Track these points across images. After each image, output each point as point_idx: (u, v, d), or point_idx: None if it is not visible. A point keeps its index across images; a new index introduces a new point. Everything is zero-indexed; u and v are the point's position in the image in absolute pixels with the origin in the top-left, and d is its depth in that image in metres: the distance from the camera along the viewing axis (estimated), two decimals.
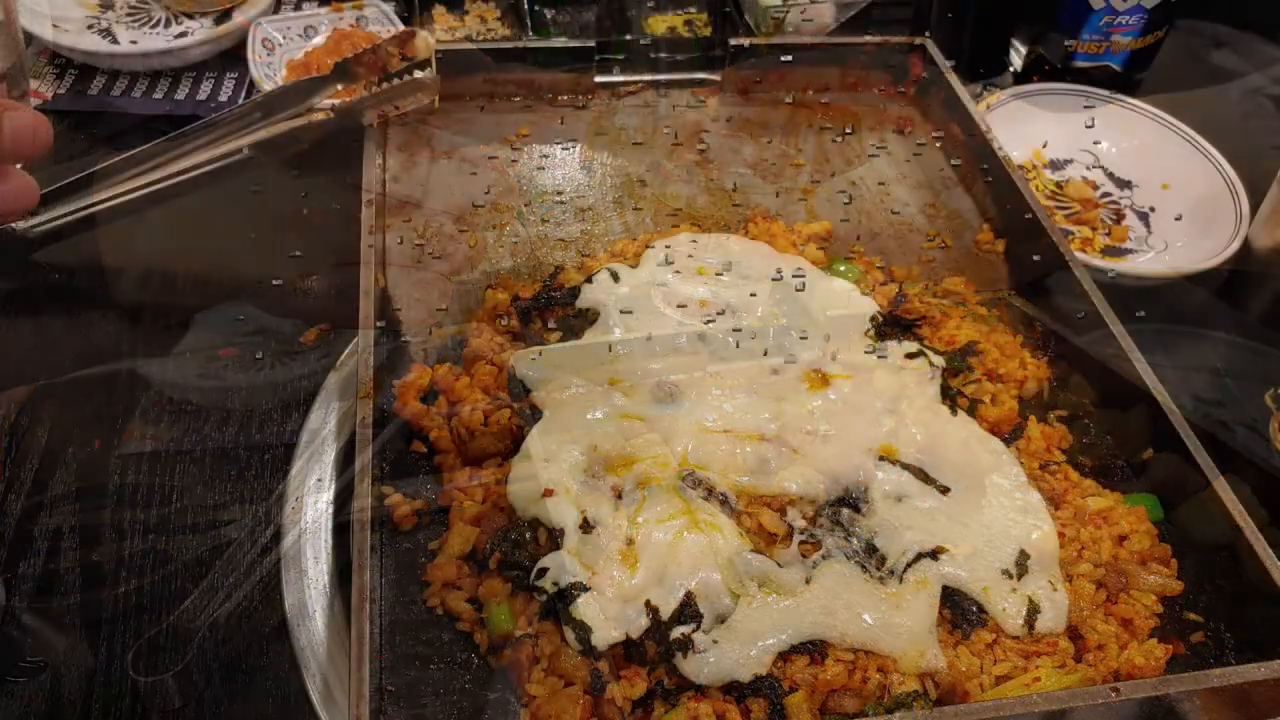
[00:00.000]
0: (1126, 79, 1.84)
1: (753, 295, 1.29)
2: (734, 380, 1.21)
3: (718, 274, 1.32)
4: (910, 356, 1.23)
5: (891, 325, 1.28)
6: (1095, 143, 1.79)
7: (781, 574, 1.02)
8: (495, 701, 0.99)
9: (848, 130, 1.66)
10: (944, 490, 1.11)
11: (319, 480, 1.18)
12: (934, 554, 1.04)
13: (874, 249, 1.48)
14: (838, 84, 1.72)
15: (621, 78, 1.66)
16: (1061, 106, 1.79)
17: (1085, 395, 1.30)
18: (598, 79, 1.66)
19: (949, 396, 1.21)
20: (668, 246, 1.36)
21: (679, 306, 1.28)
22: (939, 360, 1.23)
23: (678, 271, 1.33)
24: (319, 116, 1.41)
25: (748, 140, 1.63)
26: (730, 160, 1.60)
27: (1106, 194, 1.73)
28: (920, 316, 1.31)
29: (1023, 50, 1.89)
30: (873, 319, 1.27)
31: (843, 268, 1.39)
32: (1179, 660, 1.05)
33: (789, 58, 1.66)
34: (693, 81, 1.70)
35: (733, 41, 1.66)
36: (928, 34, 1.70)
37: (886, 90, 1.73)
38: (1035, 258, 1.40)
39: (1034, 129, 1.78)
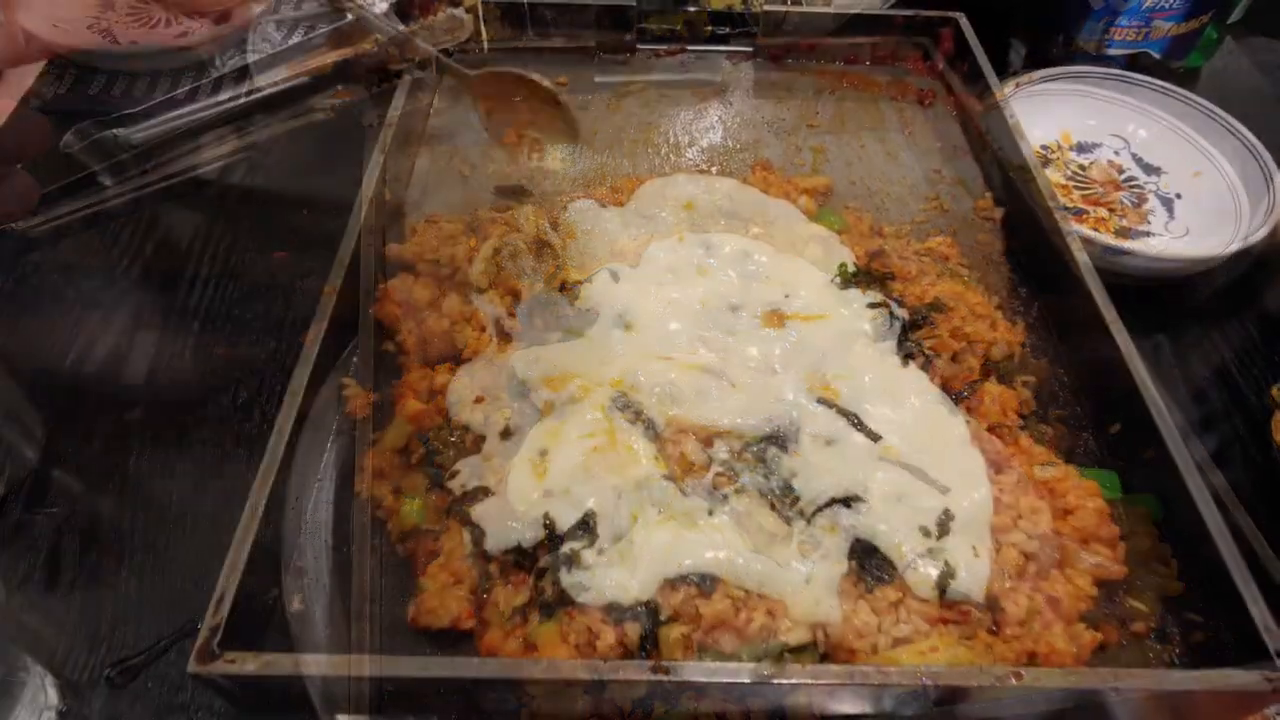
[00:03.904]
0: (1164, 66, 1.47)
1: (725, 231, 1.05)
2: (689, 310, 0.98)
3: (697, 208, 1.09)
4: (873, 306, 0.97)
5: (862, 276, 1.01)
6: (1128, 128, 1.43)
7: (683, 502, 0.80)
8: (390, 586, 0.82)
9: (869, 98, 1.38)
10: (875, 438, 0.85)
11: (319, 480, 0.91)
12: (848, 501, 0.80)
13: (870, 206, 1.21)
14: (868, 55, 1.44)
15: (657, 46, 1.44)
16: (1095, 90, 1.43)
17: (1061, 364, 1.01)
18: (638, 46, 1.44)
19: (904, 348, 0.94)
20: (660, 184, 1.14)
21: (657, 238, 1.06)
22: (901, 312, 0.97)
23: (662, 208, 1.10)
24: (319, 116, 1.23)
25: (770, 101, 1.38)
26: (749, 118, 1.35)
27: (1131, 178, 1.39)
28: (893, 271, 1.03)
29: (1059, 36, 1.54)
30: (841, 267, 1.02)
31: (831, 218, 1.13)
32: (1109, 650, 0.78)
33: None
34: (726, 43, 1.45)
35: (767, 7, 1.40)
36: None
37: (915, 63, 1.43)
38: (1030, 227, 1.11)
39: (1064, 111, 1.44)
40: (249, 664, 0.67)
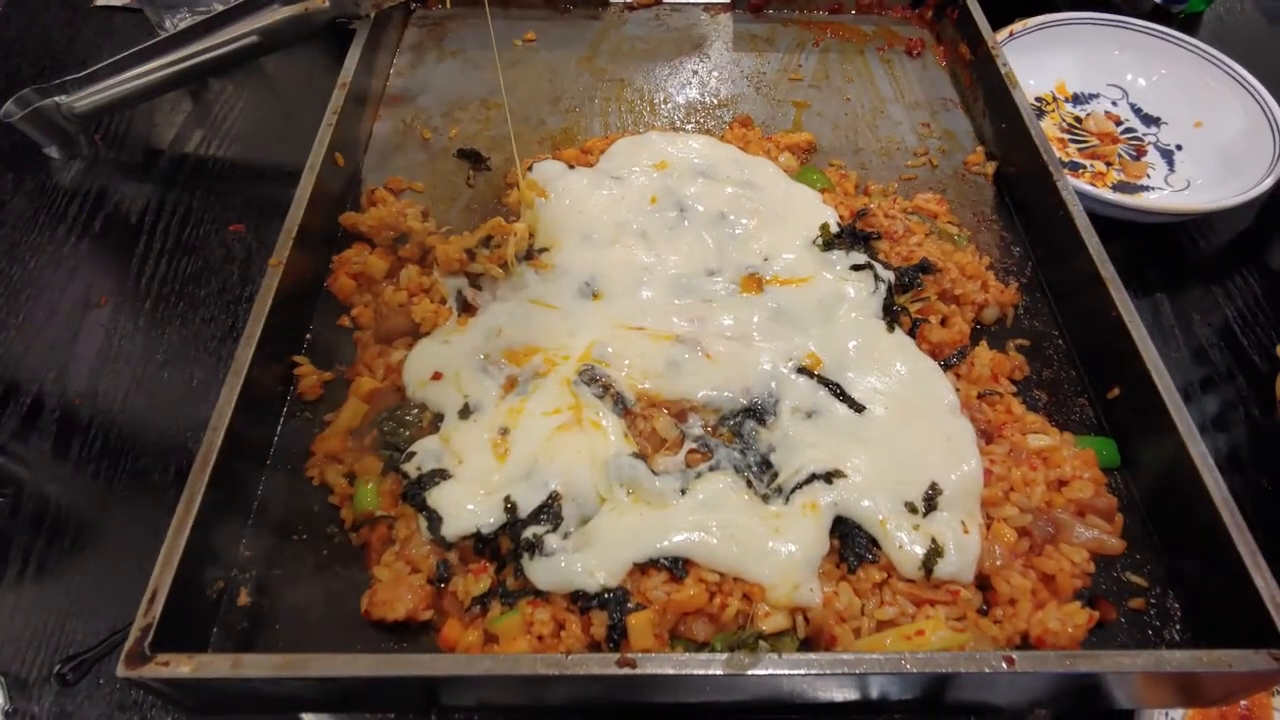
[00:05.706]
0: (1165, 11, 1.39)
1: (700, 191, 0.99)
2: (662, 276, 0.92)
3: (672, 171, 1.02)
4: (857, 269, 0.91)
5: (846, 237, 0.95)
6: (1126, 77, 1.36)
7: (653, 482, 0.75)
8: (344, 578, 0.77)
9: (854, 50, 1.30)
10: (859, 409, 0.80)
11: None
12: (829, 476, 0.74)
13: (855, 163, 1.14)
14: (853, 4, 1.36)
15: None
16: (1092, 38, 1.36)
17: (1055, 326, 0.95)
18: None
19: (890, 313, 0.88)
20: (631, 144, 1.07)
21: (628, 200, 0.99)
22: (886, 274, 0.91)
23: (634, 168, 1.04)
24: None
25: (749, 54, 1.30)
26: (728, 72, 1.28)
27: (1130, 130, 1.32)
28: (879, 231, 0.97)
29: None
30: (823, 228, 0.95)
31: (813, 175, 1.07)
32: (1107, 628, 0.73)
33: None
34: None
35: None
36: None
37: (903, 12, 1.35)
38: (1023, 182, 1.04)
39: (1060, 61, 1.37)
40: (183, 666, 0.62)
